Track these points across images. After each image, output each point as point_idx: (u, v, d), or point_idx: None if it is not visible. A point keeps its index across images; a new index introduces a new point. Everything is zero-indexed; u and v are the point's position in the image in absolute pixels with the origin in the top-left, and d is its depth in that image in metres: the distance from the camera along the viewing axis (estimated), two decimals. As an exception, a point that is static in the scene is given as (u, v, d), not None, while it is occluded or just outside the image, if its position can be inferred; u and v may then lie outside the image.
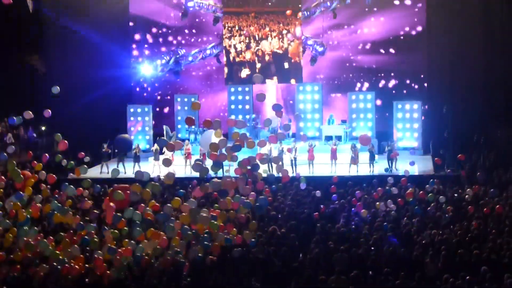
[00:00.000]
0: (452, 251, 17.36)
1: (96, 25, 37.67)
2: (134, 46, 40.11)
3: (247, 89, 38.63)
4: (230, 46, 38.64)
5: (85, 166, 23.20)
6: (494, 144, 32.51)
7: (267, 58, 38.43)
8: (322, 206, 22.78)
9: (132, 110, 37.56)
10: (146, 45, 40.02)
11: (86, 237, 18.49)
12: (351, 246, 18.12)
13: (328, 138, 34.30)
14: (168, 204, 19.39)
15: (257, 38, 38.39)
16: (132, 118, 37.38)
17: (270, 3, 38.18)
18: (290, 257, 17.73)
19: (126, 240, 18.33)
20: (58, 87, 22.98)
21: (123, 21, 39.55)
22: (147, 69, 39.39)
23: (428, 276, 16.40)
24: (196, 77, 40.63)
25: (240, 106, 38.68)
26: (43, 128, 35.58)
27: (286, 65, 38.20)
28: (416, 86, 38.26)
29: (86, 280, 17.11)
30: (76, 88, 36.94)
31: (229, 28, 38.59)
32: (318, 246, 18.08)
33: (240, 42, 38.59)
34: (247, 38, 38.50)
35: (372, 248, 18.12)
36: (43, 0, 36.64)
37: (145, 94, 40.37)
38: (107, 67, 38.25)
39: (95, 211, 21.25)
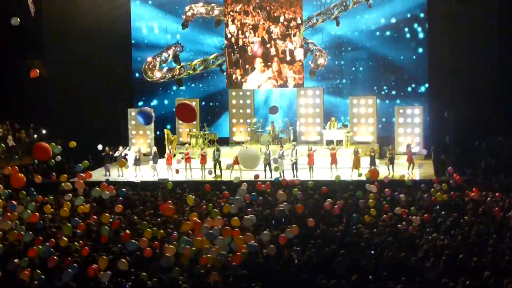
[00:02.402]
0: (452, 256, 17.30)
1: (96, 28, 37.78)
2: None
3: (248, 93, 38.65)
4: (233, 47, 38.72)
5: None
6: (495, 150, 32.49)
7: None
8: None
9: (133, 113, 37.56)
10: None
11: None
12: (352, 250, 18.08)
13: (329, 142, 34.30)
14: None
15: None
16: (133, 122, 37.39)
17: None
18: (290, 261, 17.70)
19: None
20: (75, 142, 23.13)
21: (124, 24, 39.65)
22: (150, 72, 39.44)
23: (428, 281, 16.35)
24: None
25: (241, 110, 38.67)
26: (44, 131, 35.61)
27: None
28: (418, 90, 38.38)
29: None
30: (77, 91, 37.07)
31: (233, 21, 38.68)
32: (317, 250, 18.02)
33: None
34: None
35: (373, 252, 18.08)
36: (44, 5, 36.69)
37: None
38: (109, 70, 38.34)
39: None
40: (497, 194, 24.32)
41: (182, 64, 39.49)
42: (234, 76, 38.57)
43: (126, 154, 32.27)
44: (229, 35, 38.53)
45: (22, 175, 21.68)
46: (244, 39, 38.34)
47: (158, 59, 39.33)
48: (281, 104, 39.51)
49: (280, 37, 37.84)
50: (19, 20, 22.60)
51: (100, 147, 28.75)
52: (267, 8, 38.14)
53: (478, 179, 28.03)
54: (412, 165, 30.69)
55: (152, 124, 37.08)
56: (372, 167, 29.36)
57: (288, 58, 37.95)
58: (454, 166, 30.03)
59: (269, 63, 38.05)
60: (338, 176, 28.31)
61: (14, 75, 36.53)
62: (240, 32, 38.37)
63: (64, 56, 37.64)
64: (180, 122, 36.54)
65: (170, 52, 39.43)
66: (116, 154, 32.25)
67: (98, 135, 35.04)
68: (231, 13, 38.39)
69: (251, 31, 38.31)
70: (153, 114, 20.59)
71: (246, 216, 19.76)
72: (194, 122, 38.02)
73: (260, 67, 38.09)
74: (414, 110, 36.05)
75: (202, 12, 39.23)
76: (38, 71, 21.62)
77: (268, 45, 38.00)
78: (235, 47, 38.40)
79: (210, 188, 26.12)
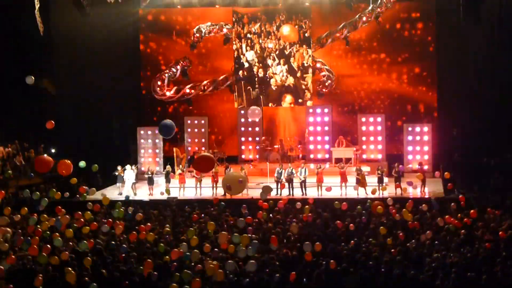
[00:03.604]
0: (461, 273, 17.25)
1: (105, 47, 37.85)
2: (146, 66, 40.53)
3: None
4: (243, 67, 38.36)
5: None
6: (504, 167, 32.39)
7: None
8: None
9: (142, 132, 37.63)
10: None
11: None
12: (361, 267, 18.05)
13: (338, 160, 34.27)
14: None
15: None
16: (142, 140, 37.45)
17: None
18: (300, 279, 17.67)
19: None
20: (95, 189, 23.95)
21: (133, 42, 39.88)
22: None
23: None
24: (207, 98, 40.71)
25: (250, 128, 38.69)
26: (53, 150, 35.68)
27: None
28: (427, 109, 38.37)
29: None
30: (86, 110, 37.16)
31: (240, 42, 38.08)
32: (326, 267, 18.00)
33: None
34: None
35: (382, 269, 18.05)
36: (53, 23, 36.77)
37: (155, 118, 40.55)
38: (117, 89, 38.45)
39: None
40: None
41: (192, 84, 39.53)
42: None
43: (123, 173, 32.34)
44: (245, 64, 37.79)
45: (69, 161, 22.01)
46: (266, 69, 37.55)
47: (166, 75, 39.46)
48: (289, 122, 39.70)
49: (313, 65, 37.70)
50: (33, 78, 22.99)
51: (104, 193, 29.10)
52: (296, 26, 37.59)
53: (488, 197, 27.94)
54: (423, 183, 30.58)
55: (162, 143, 37.32)
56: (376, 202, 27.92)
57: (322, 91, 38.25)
58: (462, 183, 30.12)
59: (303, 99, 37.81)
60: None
61: (22, 94, 36.60)
62: (257, 59, 37.53)
63: (73, 74, 37.75)
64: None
65: (178, 67, 39.54)
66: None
67: (108, 153, 35.22)
68: (248, 35, 37.52)
69: (275, 57, 37.37)
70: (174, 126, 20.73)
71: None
72: (203, 140, 38.19)
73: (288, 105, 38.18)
74: (423, 128, 36.02)
75: (210, 30, 39.26)
76: (53, 123, 21.97)
77: (298, 74, 37.55)
78: (256, 79, 37.86)
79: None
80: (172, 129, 19.76)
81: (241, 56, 38.02)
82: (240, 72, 37.91)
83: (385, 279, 17.44)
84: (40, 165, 21.65)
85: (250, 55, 37.91)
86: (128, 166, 32.73)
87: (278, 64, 37.61)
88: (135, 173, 32.45)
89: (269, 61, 37.78)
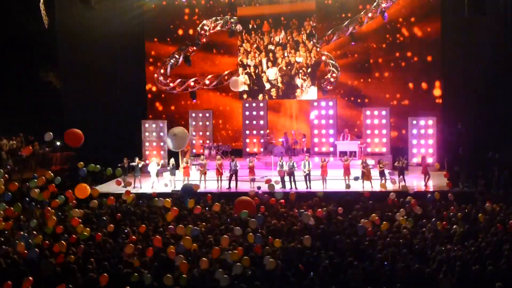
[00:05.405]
0: (466, 267, 17.22)
1: (110, 40, 37.88)
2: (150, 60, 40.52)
3: (261, 104, 38.60)
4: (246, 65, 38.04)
5: None
6: (509, 161, 32.32)
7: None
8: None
9: (147, 125, 37.63)
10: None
11: None
12: (365, 261, 18.02)
13: (343, 154, 34.25)
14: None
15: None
16: (147, 134, 37.45)
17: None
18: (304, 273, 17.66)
19: None
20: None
21: (137, 35, 39.90)
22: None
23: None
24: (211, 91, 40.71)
25: (254, 121, 38.67)
26: (58, 143, 35.72)
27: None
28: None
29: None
30: (91, 103, 37.14)
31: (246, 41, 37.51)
32: (331, 261, 17.97)
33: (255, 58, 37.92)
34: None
35: (386, 263, 18.02)
36: (58, 16, 36.75)
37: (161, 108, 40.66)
38: (122, 82, 38.45)
39: None
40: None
41: (196, 78, 39.42)
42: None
43: (145, 166, 32.46)
44: (266, 85, 35.93)
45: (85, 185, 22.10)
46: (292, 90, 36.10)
47: (168, 63, 39.38)
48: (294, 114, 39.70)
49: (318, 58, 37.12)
50: (51, 134, 22.96)
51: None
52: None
53: (492, 190, 27.90)
54: (427, 177, 30.60)
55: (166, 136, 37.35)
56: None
57: (327, 88, 37.72)
58: (467, 177, 30.08)
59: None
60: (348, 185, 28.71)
61: (28, 87, 36.65)
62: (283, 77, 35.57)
63: (78, 68, 37.72)
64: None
65: (180, 53, 39.44)
66: (133, 164, 32.21)
67: (112, 147, 35.23)
68: (269, 46, 35.26)
69: (305, 77, 34.80)
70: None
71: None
72: (208, 133, 38.14)
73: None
74: (428, 121, 35.94)
75: (216, 25, 39.17)
76: (31, 148, 22.36)
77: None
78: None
79: None
80: (194, 193, 20.31)
81: (262, 75, 35.99)
82: (260, 96, 36.07)
83: (390, 272, 17.41)
84: (71, 138, 21.84)
85: (272, 73, 36.02)
86: (154, 159, 33.00)
87: (311, 85, 35.56)
88: (140, 166, 32.45)
89: (298, 81, 35.90)
